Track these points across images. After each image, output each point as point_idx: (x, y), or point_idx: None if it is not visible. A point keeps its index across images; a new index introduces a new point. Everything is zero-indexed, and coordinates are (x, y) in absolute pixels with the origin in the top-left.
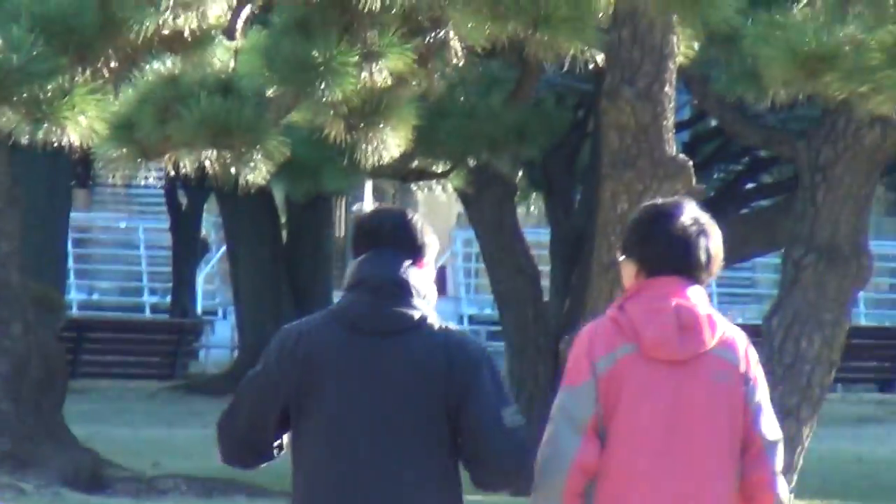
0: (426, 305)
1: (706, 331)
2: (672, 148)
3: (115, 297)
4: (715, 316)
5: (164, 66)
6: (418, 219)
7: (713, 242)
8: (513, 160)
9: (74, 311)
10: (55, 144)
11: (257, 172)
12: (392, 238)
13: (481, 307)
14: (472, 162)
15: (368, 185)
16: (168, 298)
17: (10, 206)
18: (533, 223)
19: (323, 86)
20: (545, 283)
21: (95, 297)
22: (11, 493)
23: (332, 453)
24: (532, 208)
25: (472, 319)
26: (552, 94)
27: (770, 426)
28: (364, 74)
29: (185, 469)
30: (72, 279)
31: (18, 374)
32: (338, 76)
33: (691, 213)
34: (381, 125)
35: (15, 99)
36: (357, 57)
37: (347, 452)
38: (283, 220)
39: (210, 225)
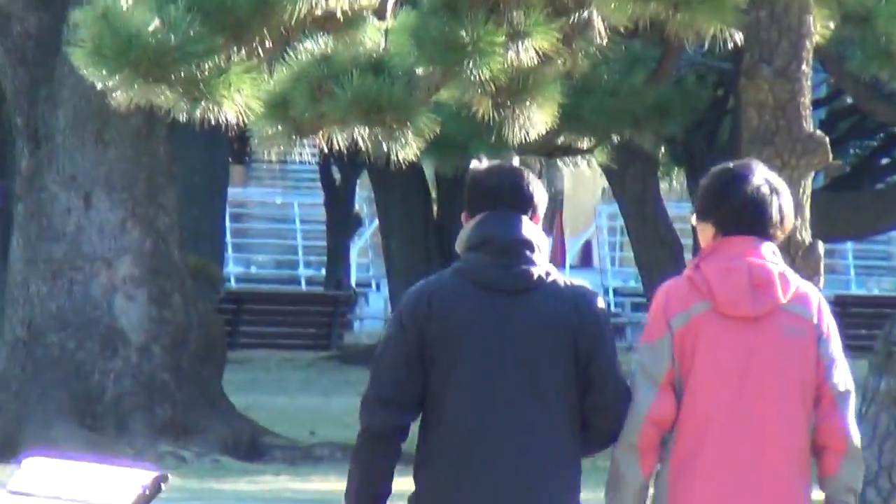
0: (545, 259)
1: (778, 287)
2: (809, 124)
3: (271, 270)
4: (788, 273)
5: (316, 45)
6: (532, 175)
7: (785, 201)
8: (655, 136)
9: (232, 284)
10: (212, 122)
11: (408, 148)
12: (511, 196)
13: (626, 279)
14: (615, 138)
15: (515, 161)
16: (322, 271)
17: (169, 183)
18: (675, 197)
19: (470, 65)
20: (688, 255)
21: (252, 270)
22: (172, 460)
23: (473, 403)
24: (674, 183)
25: (616, 292)
26: (692, 73)
27: (842, 378)
28: (510, 54)
29: (340, 437)
30: (229, 253)
31: (179, 345)
32: (485, 55)
33: (762, 173)
34: (528, 102)
35: (173, 78)
36: (503, 37)
37: (488, 402)
38: (433, 194)
39: (363, 200)
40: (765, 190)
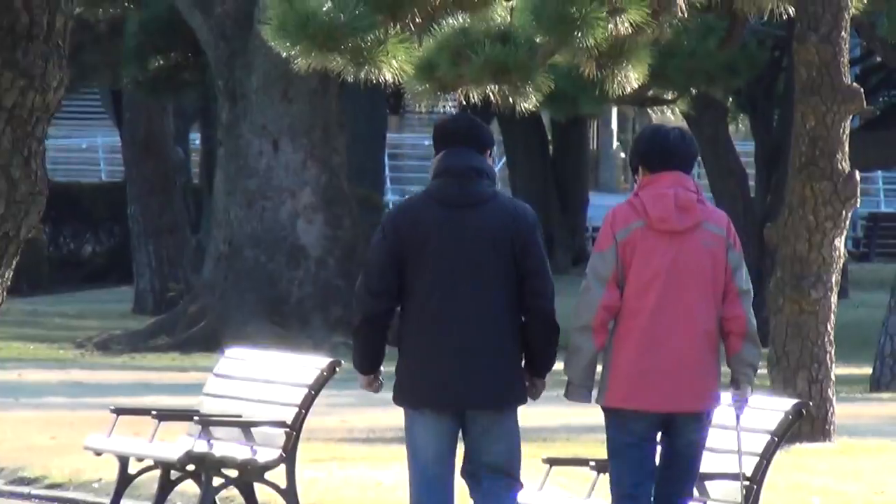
0: (492, 184)
1: (697, 209)
2: (847, 78)
3: None
4: (704, 199)
5: (456, 21)
6: (482, 122)
7: (693, 146)
8: (724, 89)
9: (390, 208)
10: (373, 82)
11: (529, 101)
12: (467, 137)
13: None
14: (693, 91)
15: (614, 110)
16: None
17: (339, 130)
18: (740, 138)
19: (579, 34)
20: (751, 183)
21: (406, 198)
22: (344, 349)
23: (438, 289)
24: (740, 126)
25: None
26: (754, 39)
27: (744, 279)
28: (610, 25)
29: None
30: (388, 185)
31: (348, 257)
32: (590, 27)
33: (676, 128)
34: (624, 63)
35: (342, 48)
36: (605, 12)
37: (449, 287)
38: (549, 136)
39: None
40: (680, 138)
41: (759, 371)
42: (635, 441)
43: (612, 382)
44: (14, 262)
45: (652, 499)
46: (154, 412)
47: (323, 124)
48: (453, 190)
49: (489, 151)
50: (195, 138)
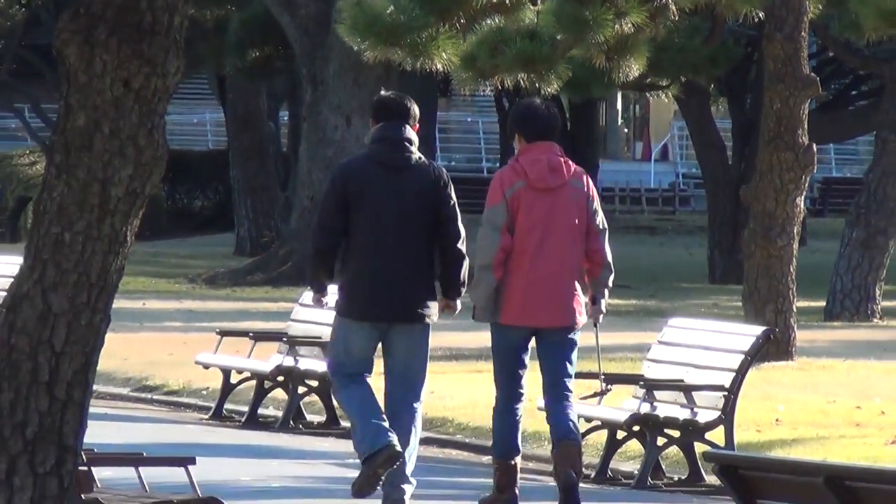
0: (416, 149)
1: (565, 171)
2: (806, 69)
3: (463, 164)
4: (570, 162)
5: (493, 21)
6: (411, 99)
7: (558, 119)
8: (707, 78)
9: None
10: (426, 70)
11: (551, 86)
12: (399, 112)
13: (690, 168)
14: (682, 78)
15: (619, 93)
16: (497, 164)
17: None
18: (720, 116)
19: (591, 33)
20: (729, 153)
21: (452, 163)
22: None
23: (375, 230)
24: (720, 107)
25: (684, 175)
26: (732, 37)
27: (600, 221)
28: (616, 26)
29: None
30: (437, 153)
31: None
32: (600, 27)
33: (544, 103)
34: (627, 56)
35: (402, 43)
36: (612, 15)
37: (383, 229)
38: (567, 115)
39: None
40: (547, 113)
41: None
42: (516, 346)
43: (506, 305)
44: (140, 213)
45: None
46: (251, 334)
47: None
48: (389, 154)
49: (416, 124)
50: (284, 115)
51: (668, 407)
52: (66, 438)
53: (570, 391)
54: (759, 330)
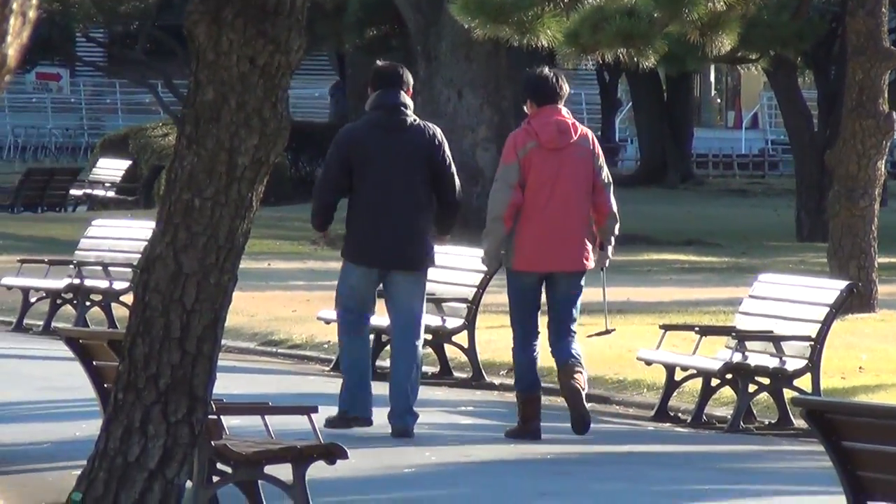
0: (411, 113)
1: (572, 132)
2: (886, 43)
3: None
4: (577, 123)
5: (594, 1)
6: (405, 67)
7: (565, 86)
8: (795, 51)
9: None
10: (533, 46)
11: (649, 60)
12: (396, 79)
13: (778, 135)
14: (771, 52)
15: (712, 67)
16: (599, 133)
17: (507, 83)
18: (807, 87)
19: (686, 10)
20: (815, 121)
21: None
22: None
23: (378, 187)
24: (806, 78)
25: (773, 142)
26: (817, 13)
27: (605, 176)
28: (709, 4)
29: None
30: None
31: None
32: (694, 5)
33: (552, 72)
34: (719, 32)
35: (510, 21)
36: None
37: (385, 190)
38: (664, 87)
39: (622, 90)
40: (556, 81)
41: (818, 259)
42: (529, 290)
43: (518, 253)
44: (265, 180)
45: (548, 330)
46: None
47: (495, 78)
48: (388, 118)
49: (409, 90)
50: None
51: (759, 356)
52: (196, 389)
53: (574, 332)
54: (843, 284)
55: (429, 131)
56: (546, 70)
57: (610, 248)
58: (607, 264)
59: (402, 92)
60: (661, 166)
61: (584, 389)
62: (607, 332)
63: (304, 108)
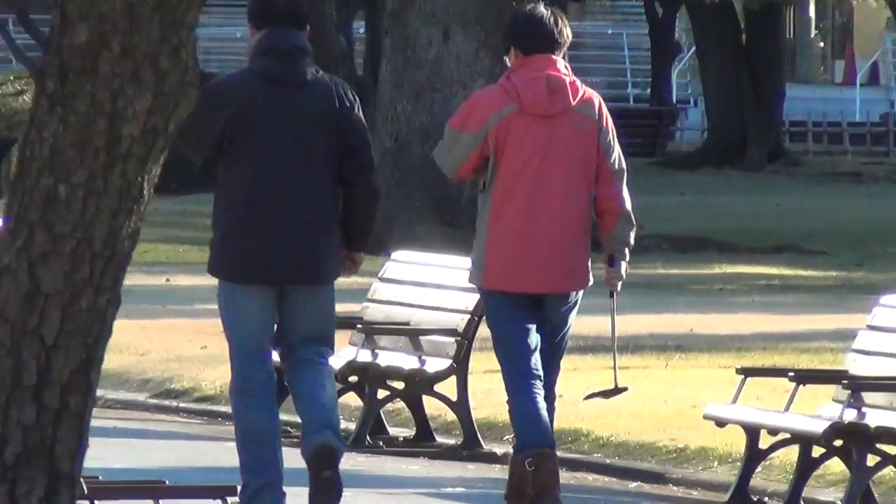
0: (312, 61)
1: (569, 93)
2: None
3: (603, 90)
4: (577, 82)
5: None
6: None
7: (567, 28)
8: None
9: None
10: None
11: None
12: (289, 15)
13: None
14: None
15: None
16: (647, 91)
17: None
18: None
19: None
20: None
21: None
22: None
23: (263, 176)
24: None
25: None
26: None
27: (617, 160)
28: None
29: (665, 230)
30: None
31: None
32: None
33: (548, 11)
34: None
35: None
36: None
37: (277, 165)
38: (742, 25)
39: (681, 30)
40: (553, 22)
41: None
42: (513, 315)
43: (489, 265)
44: (162, 158)
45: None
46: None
47: (498, 10)
48: (282, 69)
49: (307, 28)
50: (359, 27)
51: (882, 414)
52: (59, 462)
53: (554, 393)
54: None
55: (338, 88)
56: (540, 6)
57: (623, 265)
58: (619, 288)
59: (299, 31)
60: (739, 139)
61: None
62: (617, 390)
63: (220, 54)
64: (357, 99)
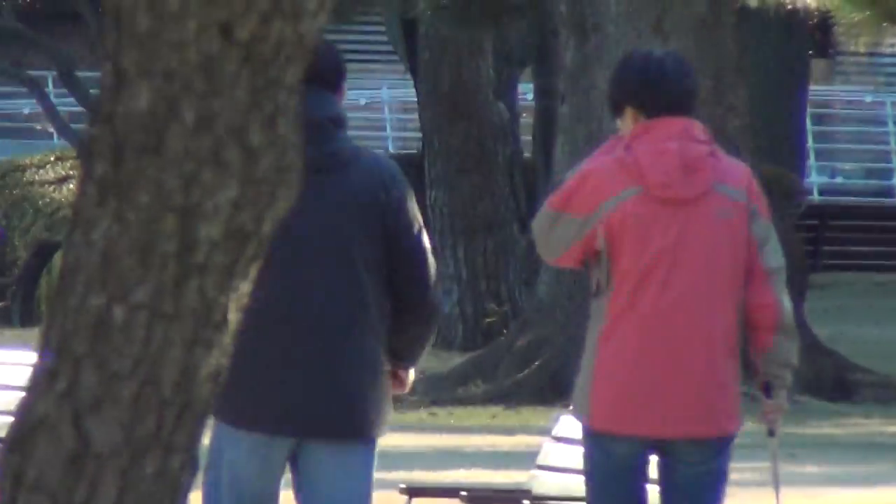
0: (348, 135)
1: (709, 169)
2: None
3: (860, 180)
4: (719, 152)
5: None
6: (332, 46)
7: (695, 79)
8: None
9: (815, 196)
10: (788, 8)
11: None
12: (321, 70)
13: None
14: None
15: None
16: None
17: (738, 79)
18: None
19: None
20: None
21: (838, 180)
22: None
23: (284, 278)
24: None
25: None
26: None
27: (774, 255)
28: None
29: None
30: (811, 160)
31: None
32: None
33: (669, 53)
34: None
35: None
36: None
37: (299, 276)
38: None
39: None
40: (680, 69)
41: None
42: (622, 467)
43: (597, 400)
44: (253, 271)
45: None
46: (463, 492)
47: (714, 70)
48: (308, 150)
49: (343, 87)
50: (526, 91)
51: None
52: None
53: None
54: None
55: (386, 169)
56: (658, 52)
57: (783, 394)
58: (780, 425)
59: (332, 95)
60: None
61: None
62: None
63: None
64: (408, 186)
